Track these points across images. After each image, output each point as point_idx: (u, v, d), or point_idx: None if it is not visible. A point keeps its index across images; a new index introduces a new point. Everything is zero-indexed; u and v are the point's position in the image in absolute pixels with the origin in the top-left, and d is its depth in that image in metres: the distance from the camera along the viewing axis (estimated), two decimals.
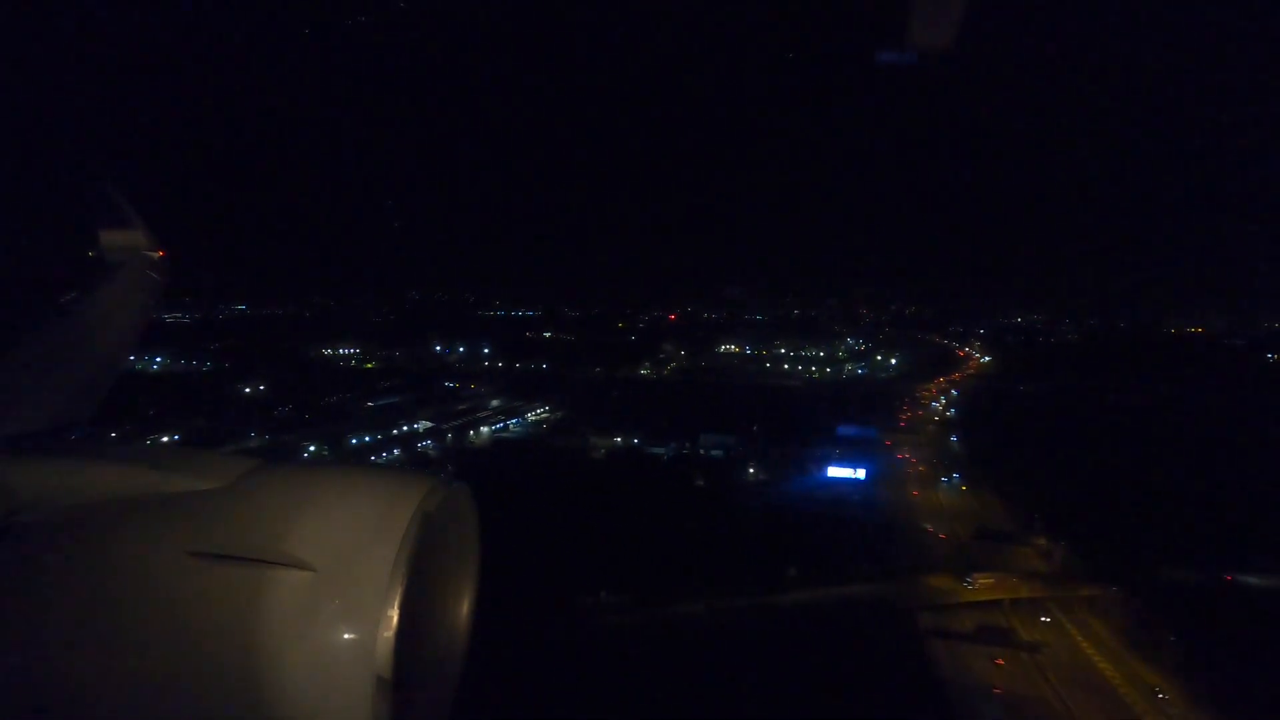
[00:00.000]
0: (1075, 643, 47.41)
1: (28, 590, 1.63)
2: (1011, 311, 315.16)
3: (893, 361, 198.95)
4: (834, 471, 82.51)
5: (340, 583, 1.55)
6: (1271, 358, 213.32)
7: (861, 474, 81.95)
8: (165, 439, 68.39)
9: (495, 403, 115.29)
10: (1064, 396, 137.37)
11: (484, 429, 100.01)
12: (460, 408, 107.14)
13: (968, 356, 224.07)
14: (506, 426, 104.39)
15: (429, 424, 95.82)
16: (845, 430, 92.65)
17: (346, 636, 1.50)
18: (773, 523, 66.24)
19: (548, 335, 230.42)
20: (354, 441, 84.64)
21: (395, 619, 1.49)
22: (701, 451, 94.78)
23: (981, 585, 53.65)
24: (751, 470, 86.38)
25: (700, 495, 77.48)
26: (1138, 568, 55.91)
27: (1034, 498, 72.95)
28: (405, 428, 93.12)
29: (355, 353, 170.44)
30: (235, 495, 1.77)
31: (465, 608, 1.91)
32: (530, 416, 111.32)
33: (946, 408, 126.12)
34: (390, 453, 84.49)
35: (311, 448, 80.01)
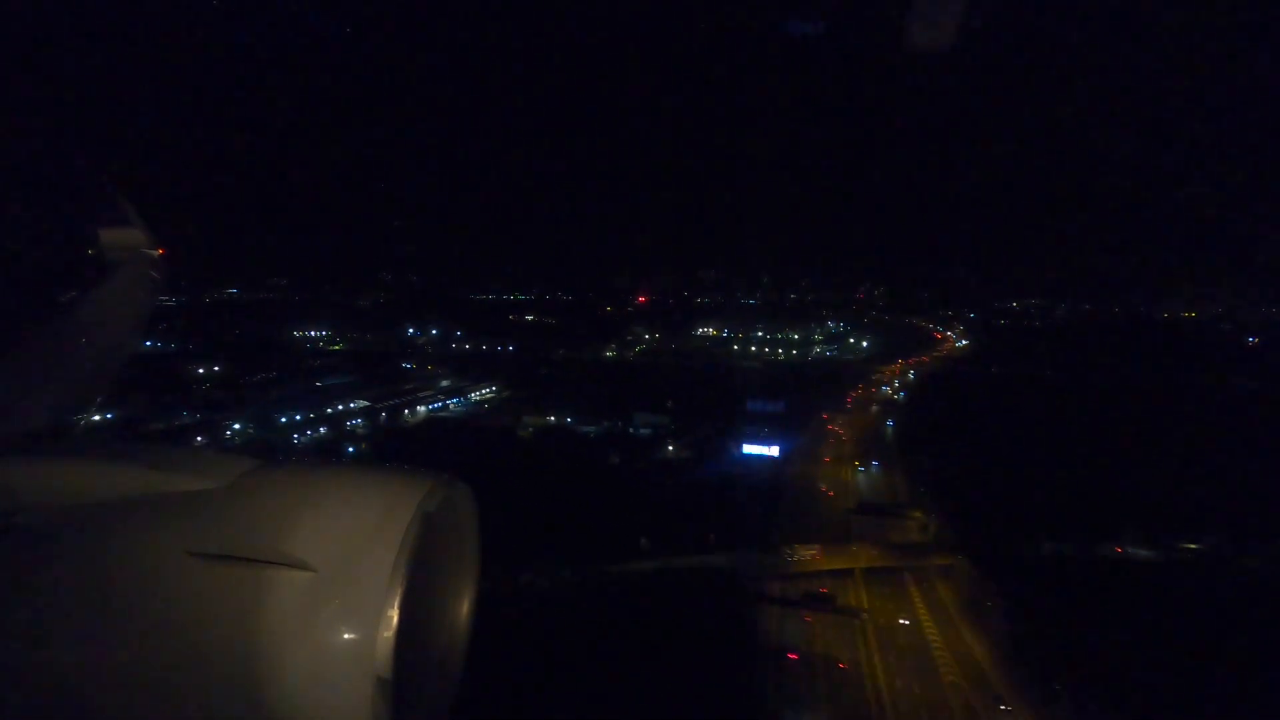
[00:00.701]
0: (913, 609, 49.00)
1: (28, 590, 1.63)
2: (1009, 296, 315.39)
3: (864, 344, 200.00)
4: (749, 449, 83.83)
5: (340, 583, 1.54)
6: (1253, 341, 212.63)
7: (775, 451, 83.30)
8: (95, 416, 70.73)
9: (445, 383, 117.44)
10: (1018, 378, 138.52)
11: (420, 408, 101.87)
12: (406, 388, 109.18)
13: (944, 340, 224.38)
14: (446, 406, 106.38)
15: (364, 403, 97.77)
16: (754, 406, 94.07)
17: (346, 636, 1.49)
18: (664, 497, 67.81)
19: (530, 318, 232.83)
20: (282, 420, 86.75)
21: (395, 619, 1.49)
22: (632, 431, 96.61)
23: (809, 556, 55.29)
24: (671, 448, 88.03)
25: (609, 472, 79.13)
26: (1002, 539, 57.41)
27: (938, 475, 74.58)
28: (339, 407, 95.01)
29: (326, 335, 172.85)
30: (235, 495, 1.78)
31: (465, 608, 1.94)
32: (474, 396, 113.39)
33: (896, 391, 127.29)
34: (316, 431, 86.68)
35: (236, 426, 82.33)
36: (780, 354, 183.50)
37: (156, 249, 5.59)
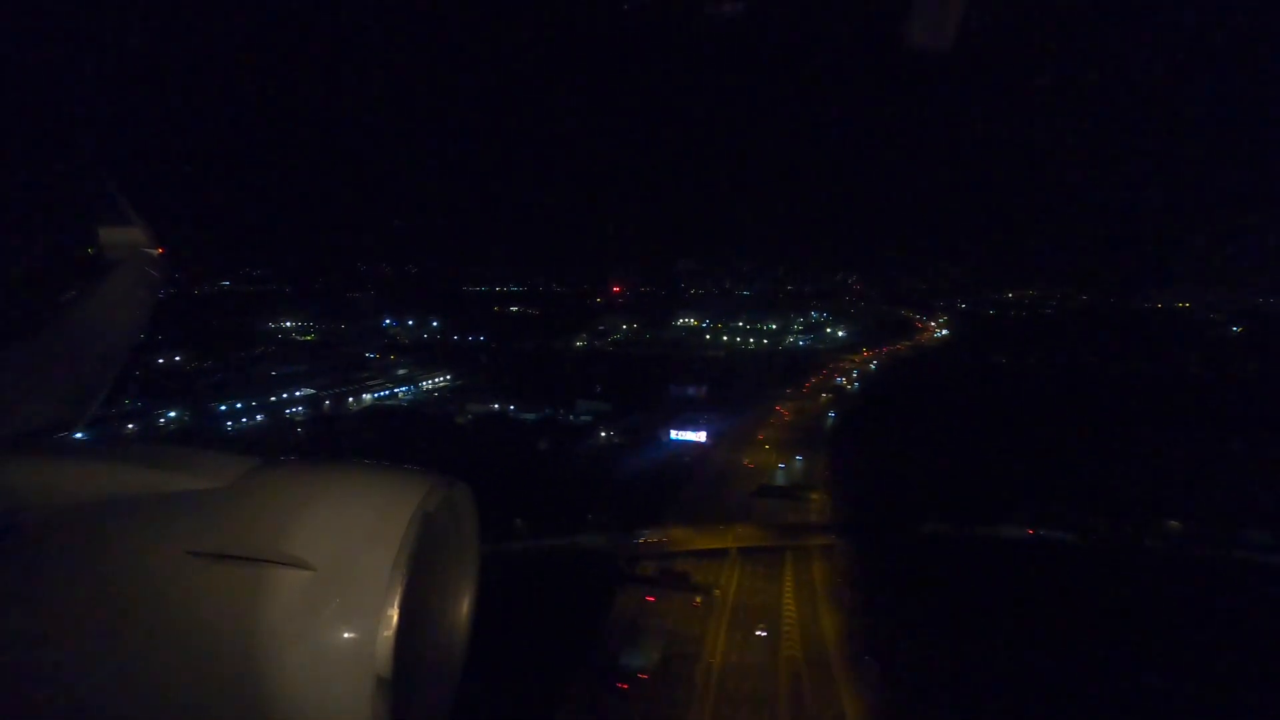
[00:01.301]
0: (779, 587, 49.80)
1: (28, 590, 1.64)
2: (1008, 287, 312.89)
3: (841, 334, 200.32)
4: (677, 434, 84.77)
5: (340, 583, 1.54)
6: (1236, 330, 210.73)
7: (702, 436, 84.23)
8: None
9: (402, 372, 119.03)
10: (977, 365, 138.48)
11: (366, 396, 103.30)
12: (359, 376, 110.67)
13: (924, 330, 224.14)
14: (394, 394, 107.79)
15: (309, 391, 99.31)
16: (678, 391, 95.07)
17: (346, 636, 1.49)
18: (575, 481, 68.78)
19: (515, 309, 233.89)
20: (221, 408, 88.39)
21: (395, 619, 1.49)
22: (572, 417, 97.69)
23: (655, 538, 56.34)
24: (604, 434, 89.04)
25: (533, 457, 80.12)
26: (888, 519, 58.17)
27: (854, 458, 75.34)
28: (283, 395, 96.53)
29: (300, 326, 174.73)
30: (235, 495, 1.79)
31: (465, 608, 1.95)
32: (426, 385, 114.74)
33: (851, 382, 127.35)
34: (253, 418, 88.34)
35: (172, 414, 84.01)
36: (752, 343, 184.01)
37: (157, 248, 5.62)
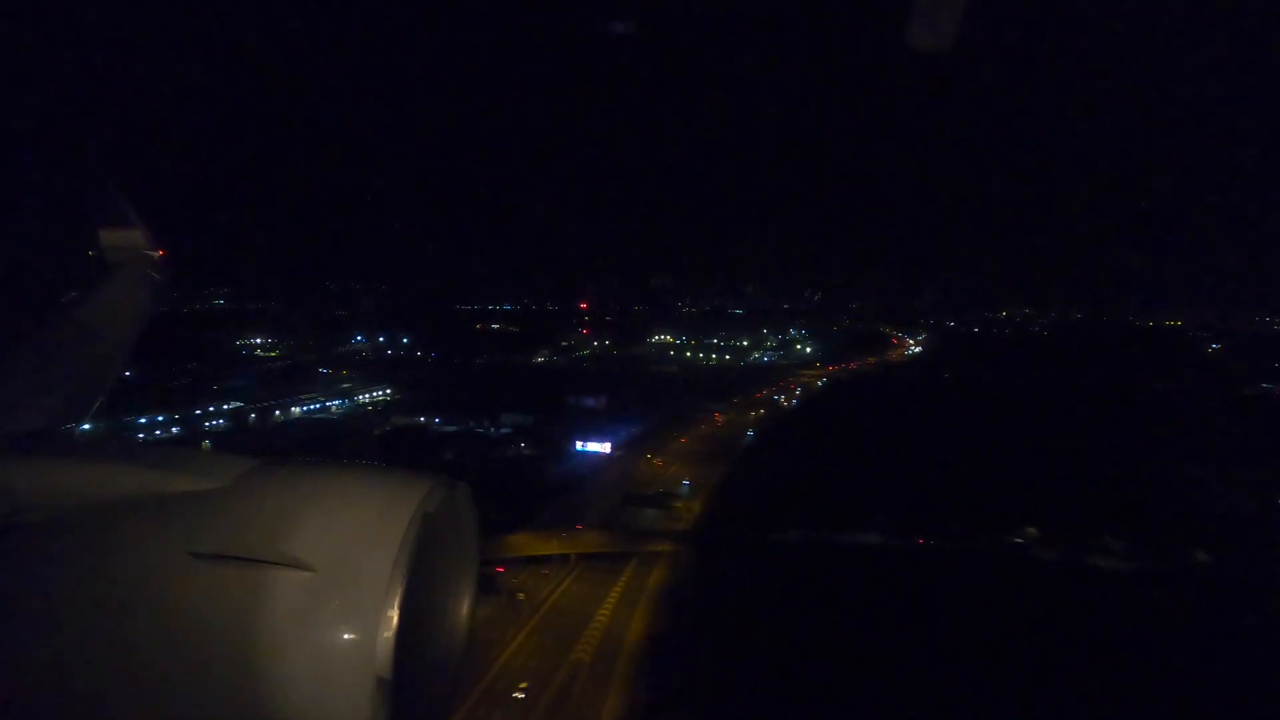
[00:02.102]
0: (605, 593, 50.10)
1: (28, 590, 1.64)
2: (1002, 305, 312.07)
3: (808, 351, 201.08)
4: (583, 445, 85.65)
5: (340, 583, 1.54)
6: (1215, 348, 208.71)
7: (607, 448, 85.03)
8: None
9: (346, 386, 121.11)
10: (929, 381, 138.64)
11: (295, 410, 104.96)
12: (295, 391, 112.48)
13: (896, 347, 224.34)
14: (326, 408, 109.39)
15: (238, 404, 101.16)
16: (583, 401, 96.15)
17: (346, 636, 1.49)
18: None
19: (494, 326, 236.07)
20: (141, 420, 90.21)
21: (395, 619, 1.49)
22: (493, 430, 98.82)
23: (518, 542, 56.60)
24: (515, 446, 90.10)
25: (439, 467, 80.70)
26: (744, 528, 58.61)
27: (751, 470, 75.94)
28: (210, 408, 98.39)
29: (264, 343, 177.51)
30: (235, 495, 1.79)
31: (465, 608, 1.96)
32: (362, 399, 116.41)
33: (790, 399, 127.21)
34: (170, 431, 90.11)
35: (85, 426, 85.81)
36: (714, 359, 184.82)
37: (157, 250, 5.62)
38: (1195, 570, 54.66)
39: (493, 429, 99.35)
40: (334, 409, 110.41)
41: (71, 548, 1.72)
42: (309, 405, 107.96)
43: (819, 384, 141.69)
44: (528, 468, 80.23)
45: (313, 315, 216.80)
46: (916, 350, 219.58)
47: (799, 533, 58.51)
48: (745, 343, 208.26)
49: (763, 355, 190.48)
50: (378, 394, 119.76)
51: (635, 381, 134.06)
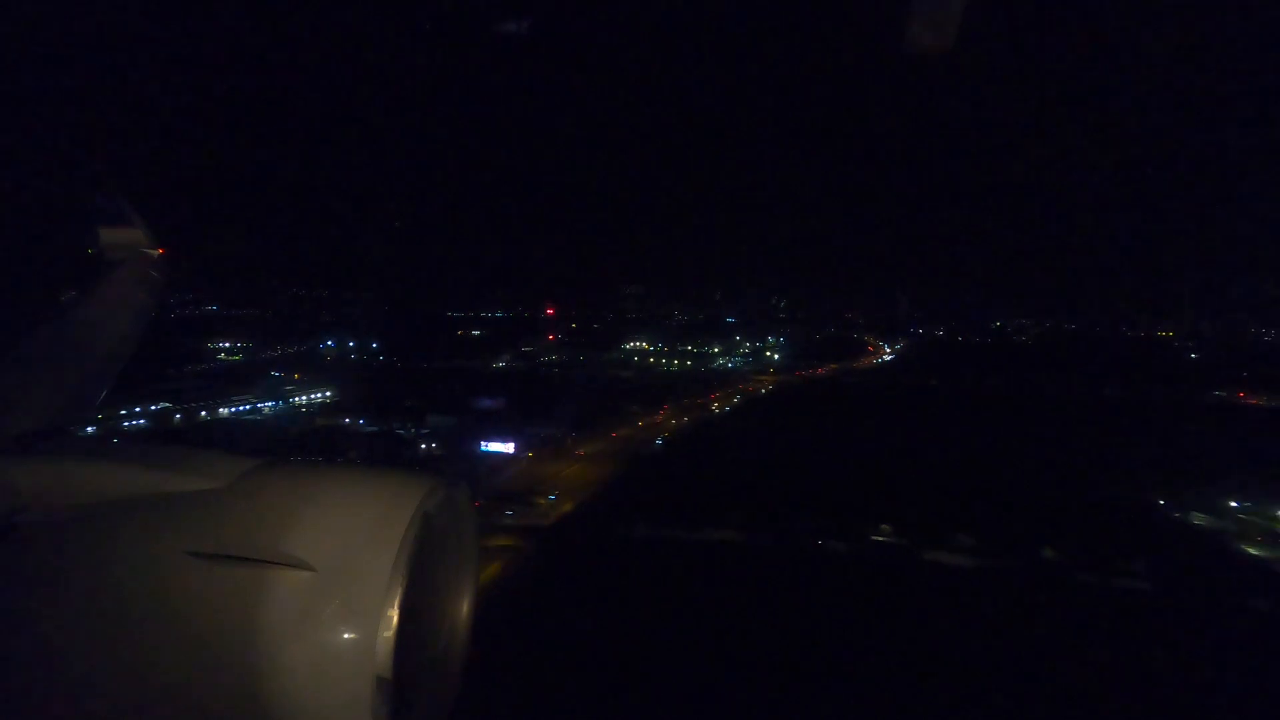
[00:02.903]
0: None
1: (28, 590, 1.65)
2: (1001, 314, 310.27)
3: (776, 357, 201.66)
4: (486, 446, 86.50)
5: (340, 583, 1.54)
6: (1194, 357, 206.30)
7: (510, 448, 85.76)
8: None
9: (289, 387, 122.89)
10: (881, 388, 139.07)
11: (222, 410, 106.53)
12: (228, 391, 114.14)
13: (874, 352, 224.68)
14: (258, 409, 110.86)
15: (166, 405, 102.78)
16: (481, 402, 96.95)
17: (346, 636, 1.49)
18: None
19: (476, 333, 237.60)
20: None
21: (395, 619, 1.48)
22: (413, 430, 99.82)
23: None
24: (424, 446, 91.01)
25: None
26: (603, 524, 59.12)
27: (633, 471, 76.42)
28: (135, 408, 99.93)
29: (232, 345, 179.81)
30: (235, 495, 1.79)
31: (465, 608, 2.00)
32: (299, 400, 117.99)
33: (726, 405, 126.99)
34: (85, 430, 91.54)
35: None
36: (677, 365, 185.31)
37: (158, 249, 5.58)
38: (1039, 568, 54.09)
39: (414, 430, 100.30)
40: (266, 410, 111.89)
41: (72, 547, 1.72)
42: (240, 406, 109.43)
43: (764, 391, 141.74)
44: (425, 466, 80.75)
45: (290, 318, 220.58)
46: (888, 358, 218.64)
47: (649, 529, 58.61)
48: (716, 349, 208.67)
49: (728, 362, 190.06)
50: (318, 396, 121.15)
51: (583, 385, 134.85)
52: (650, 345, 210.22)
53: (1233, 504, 65.90)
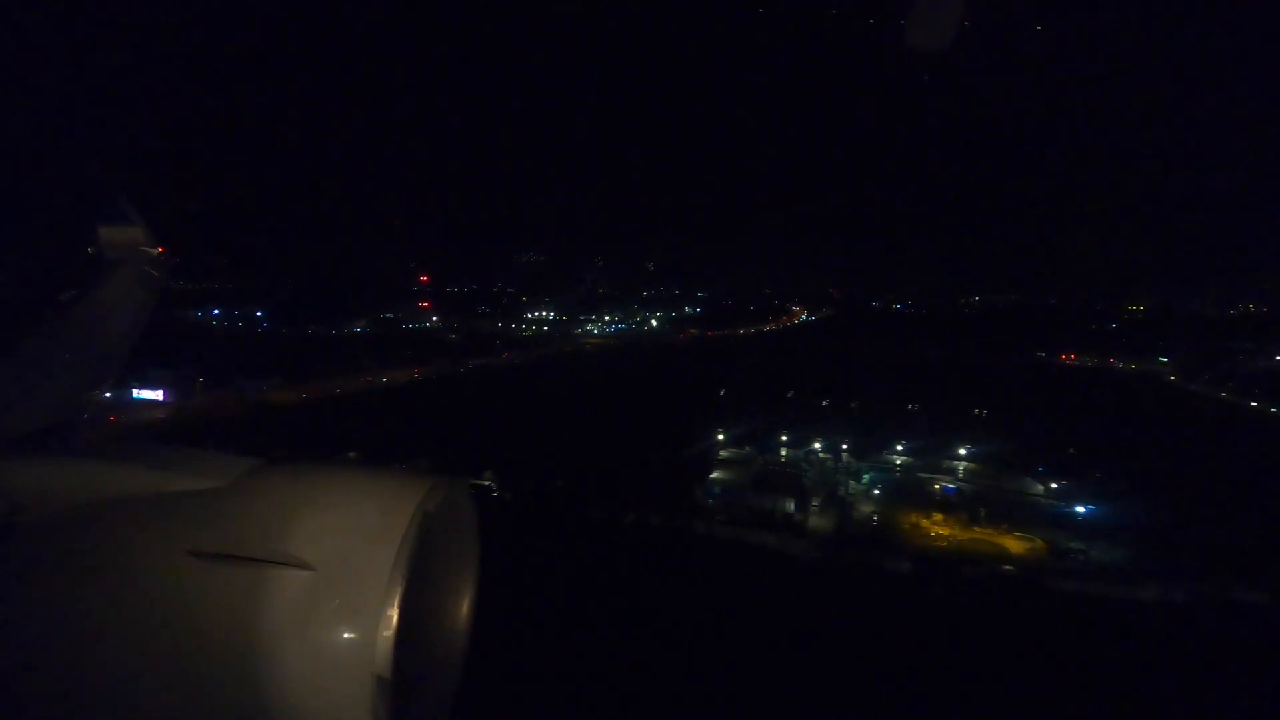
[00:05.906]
0: None
1: (28, 590, 1.63)
2: (965, 291, 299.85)
3: (654, 324, 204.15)
4: (138, 392, 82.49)
5: (340, 583, 1.52)
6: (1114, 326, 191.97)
7: (160, 395, 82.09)
8: None
9: None
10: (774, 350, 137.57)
11: None
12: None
13: (787, 319, 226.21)
14: None
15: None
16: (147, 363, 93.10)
17: (346, 636, 1.47)
18: None
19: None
20: None
21: (395, 619, 1.47)
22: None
23: None
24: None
25: None
26: None
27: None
28: None
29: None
30: (235, 495, 1.78)
31: (465, 608, 1.94)
32: None
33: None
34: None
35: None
36: (540, 331, 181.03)
37: (156, 247, 5.57)
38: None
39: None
40: None
41: (72, 547, 1.72)
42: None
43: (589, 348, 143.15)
44: None
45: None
46: (801, 320, 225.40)
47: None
48: (593, 316, 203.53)
49: (594, 329, 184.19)
50: None
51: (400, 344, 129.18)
52: (552, 315, 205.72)
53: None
